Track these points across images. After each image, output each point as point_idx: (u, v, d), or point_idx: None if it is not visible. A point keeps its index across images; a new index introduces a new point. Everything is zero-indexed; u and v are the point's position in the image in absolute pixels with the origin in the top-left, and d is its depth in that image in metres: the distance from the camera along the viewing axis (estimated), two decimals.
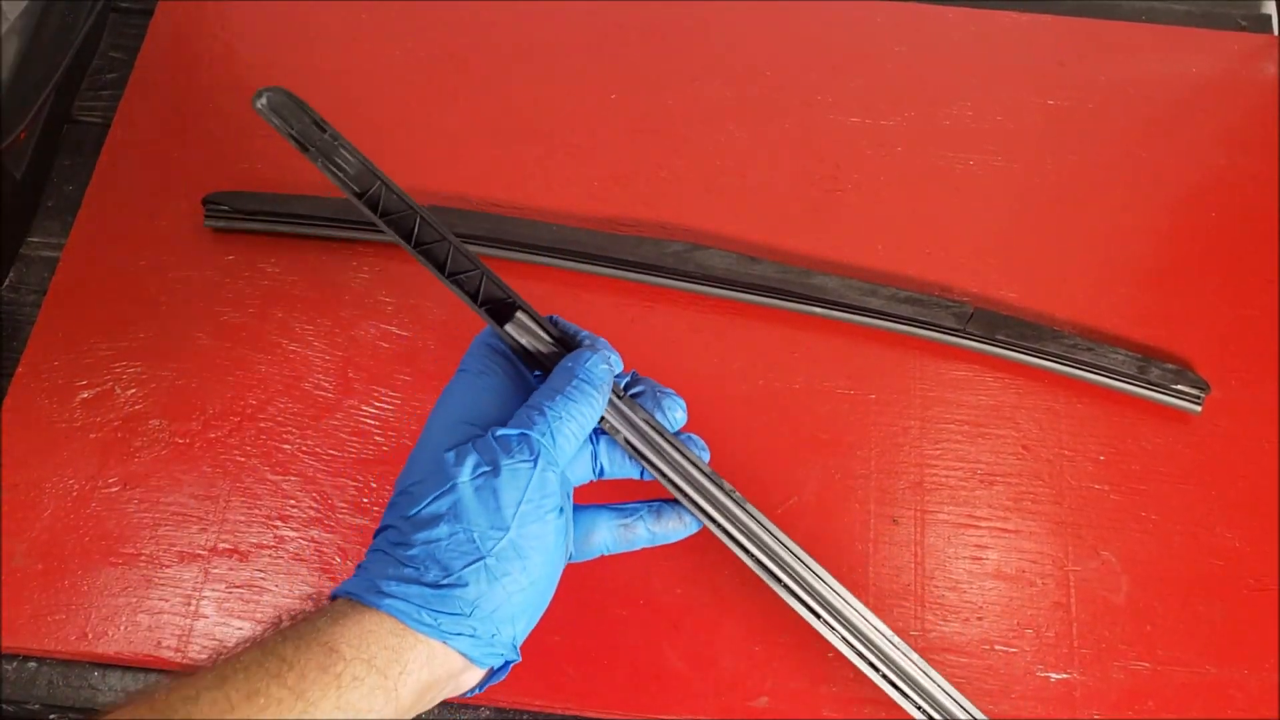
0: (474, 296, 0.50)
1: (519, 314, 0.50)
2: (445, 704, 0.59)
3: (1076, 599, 0.61)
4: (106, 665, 0.60)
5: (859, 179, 0.74)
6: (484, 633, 0.42)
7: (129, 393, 0.66)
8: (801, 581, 0.51)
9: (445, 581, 0.42)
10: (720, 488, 0.50)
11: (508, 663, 0.45)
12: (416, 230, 0.50)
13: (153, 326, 0.69)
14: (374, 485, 0.64)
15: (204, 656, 0.59)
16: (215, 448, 0.65)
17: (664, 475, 0.50)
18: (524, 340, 0.50)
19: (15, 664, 0.61)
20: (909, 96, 0.77)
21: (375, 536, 0.45)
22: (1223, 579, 0.62)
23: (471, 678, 0.44)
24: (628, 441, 0.50)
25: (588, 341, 0.51)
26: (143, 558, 0.62)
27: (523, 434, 0.45)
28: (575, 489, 0.49)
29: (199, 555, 0.62)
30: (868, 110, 0.77)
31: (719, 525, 0.50)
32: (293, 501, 0.63)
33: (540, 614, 0.46)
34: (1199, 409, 0.65)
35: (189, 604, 0.61)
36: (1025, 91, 0.78)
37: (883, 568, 0.62)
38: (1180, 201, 0.74)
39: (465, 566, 0.42)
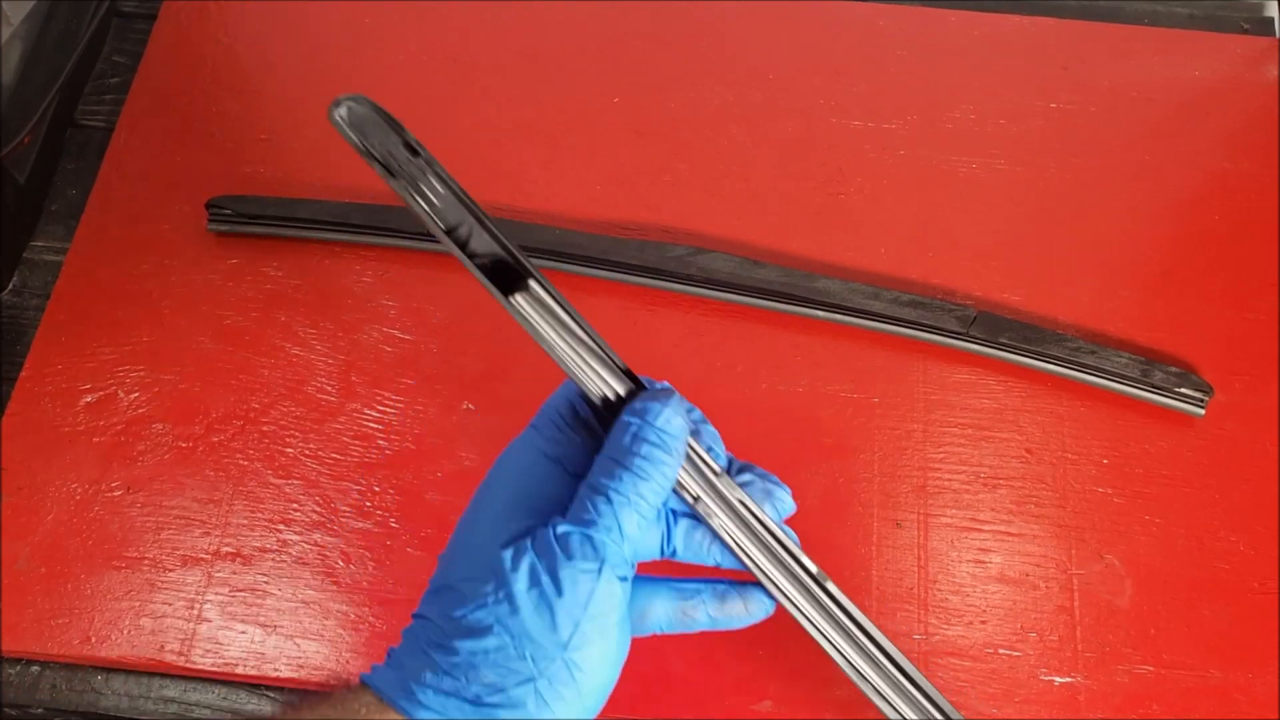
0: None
1: (532, 283, 0.42)
2: None
3: (1080, 602, 0.61)
4: (110, 669, 0.60)
5: (861, 182, 0.74)
6: None
7: (132, 396, 0.66)
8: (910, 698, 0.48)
9: (490, 700, 0.38)
10: (827, 592, 0.46)
11: None
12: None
13: (156, 330, 0.69)
14: (377, 489, 0.64)
15: (206, 661, 0.59)
16: (218, 451, 0.65)
17: (773, 582, 0.45)
18: (566, 348, 0.42)
19: (18, 668, 0.61)
20: (911, 100, 0.77)
21: (414, 619, 0.41)
22: (1227, 582, 0.61)
23: None
24: (730, 535, 0.43)
25: (658, 388, 0.44)
26: (146, 561, 0.62)
27: (585, 535, 0.39)
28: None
29: (202, 559, 0.62)
30: (870, 113, 0.77)
31: (835, 648, 0.46)
32: (295, 505, 0.63)
33: None
34: (1202, 412, 0.65)
35: (192, 608, 0.61)
36: (1028, 95, 0.78)
37: (886, 571, 0.62)
38: (1184, 204, 0.74)
39: (515, 686, 0.38)
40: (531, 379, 0.67)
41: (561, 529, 0.39)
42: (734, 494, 0.44)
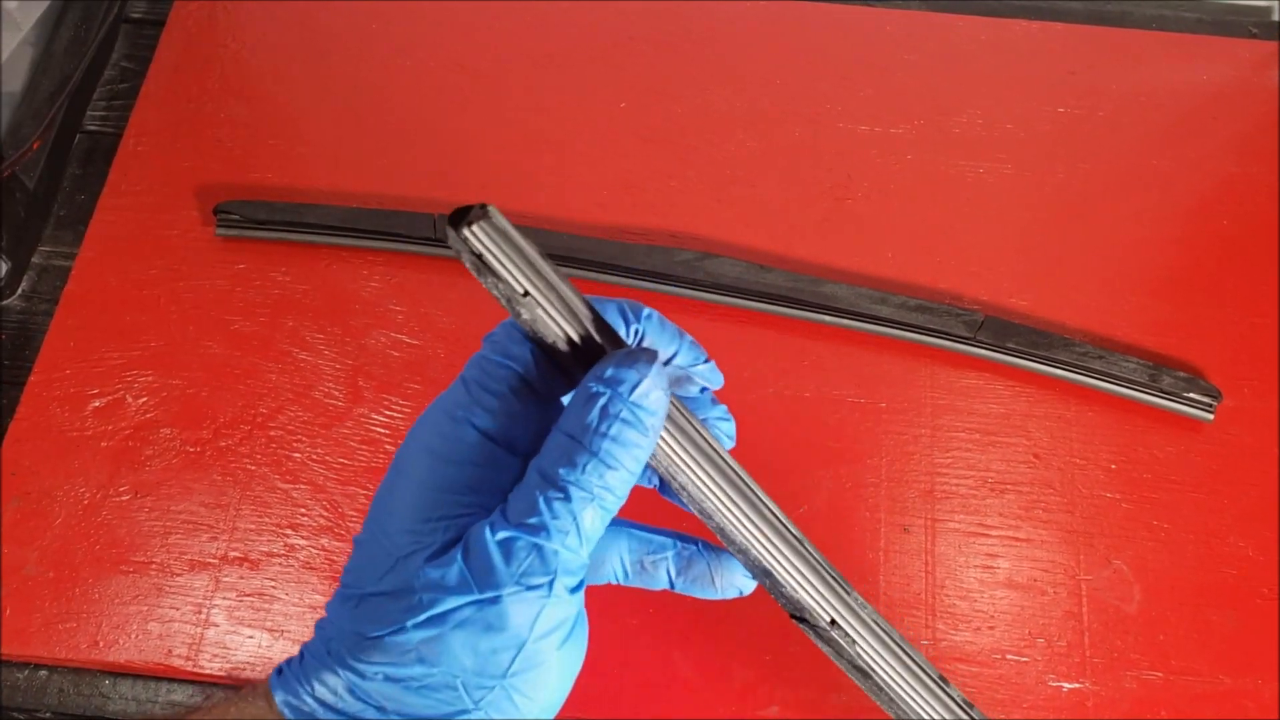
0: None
1: (491, 211, 0.31)
2: None
3: (1088, 608, 0.61)
4: (117, 674, 0.61)
5: (869, 187, 0.74)
6: None
7: (140, 401, 0.67)
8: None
9: None
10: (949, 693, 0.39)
11: None
12: None
13: (164, 335, 0.69)
14: None
15: (214, 665, 0.59)
16: (226, 456, 0.65)
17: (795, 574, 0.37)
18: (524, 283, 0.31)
19: (26, 672, 0.61)
20: (919, 105, 0.77)
21: (324, 626, 0.34)
22: (1235, 588, 0.61)
23: None
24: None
25: (633, 345, 0.35)
26: (153, 566, 0.62)
27: (533, 544, 0.31)
28: None
29: (210, 563, 0.62)
30: (877, 119, 0.77)
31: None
32: (303, 510, 0.64)
33: None
34: (1211, 417, 0.65)
35: (200, 612, 0.61)
36: (1036, 99, 0.78)
37: (893, 576, 0.62)
38: (1191, 209, 0.73)
39: (446, 718, 0.32)
40: None
41: (502, 534, 0.31)
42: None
